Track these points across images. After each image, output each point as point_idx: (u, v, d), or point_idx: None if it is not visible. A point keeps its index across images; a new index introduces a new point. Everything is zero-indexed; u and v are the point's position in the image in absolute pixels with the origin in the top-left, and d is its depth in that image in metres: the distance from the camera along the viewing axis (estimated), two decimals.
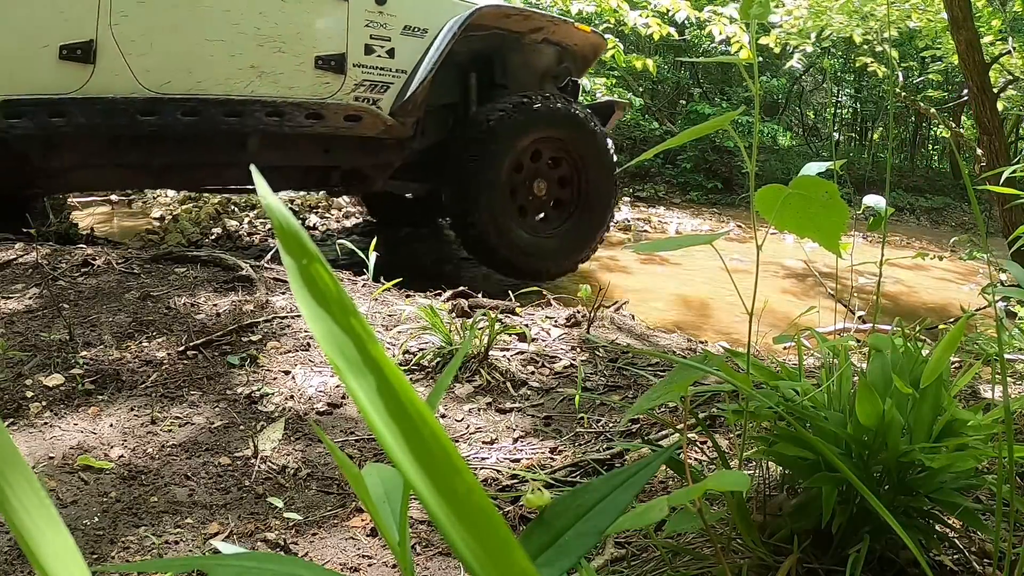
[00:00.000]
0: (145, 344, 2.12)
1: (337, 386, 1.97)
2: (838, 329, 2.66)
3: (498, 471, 1.59)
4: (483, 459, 1.67)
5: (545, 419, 1.87)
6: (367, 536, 1.38)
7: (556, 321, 2.55)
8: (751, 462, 1.30)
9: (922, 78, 11.75)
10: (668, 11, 7.41)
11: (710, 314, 4.27)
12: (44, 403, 1.78)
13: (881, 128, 14.12)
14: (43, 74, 3.19)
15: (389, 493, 0.70)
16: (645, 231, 6.98)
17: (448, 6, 3.96)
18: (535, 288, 3.08)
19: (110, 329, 2.19)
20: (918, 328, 1.86)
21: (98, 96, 3.26)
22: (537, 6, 7.12)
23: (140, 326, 2.23)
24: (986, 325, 3.23)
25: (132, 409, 1.80)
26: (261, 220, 5.33)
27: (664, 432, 1.73)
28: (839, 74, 13.32)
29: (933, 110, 8.03)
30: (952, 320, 3.54)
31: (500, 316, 2.46)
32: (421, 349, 2.19)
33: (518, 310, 2.67)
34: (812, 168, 1.19)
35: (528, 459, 1.66)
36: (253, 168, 0.40)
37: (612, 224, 4.89)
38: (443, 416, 1.87)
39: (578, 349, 2.30)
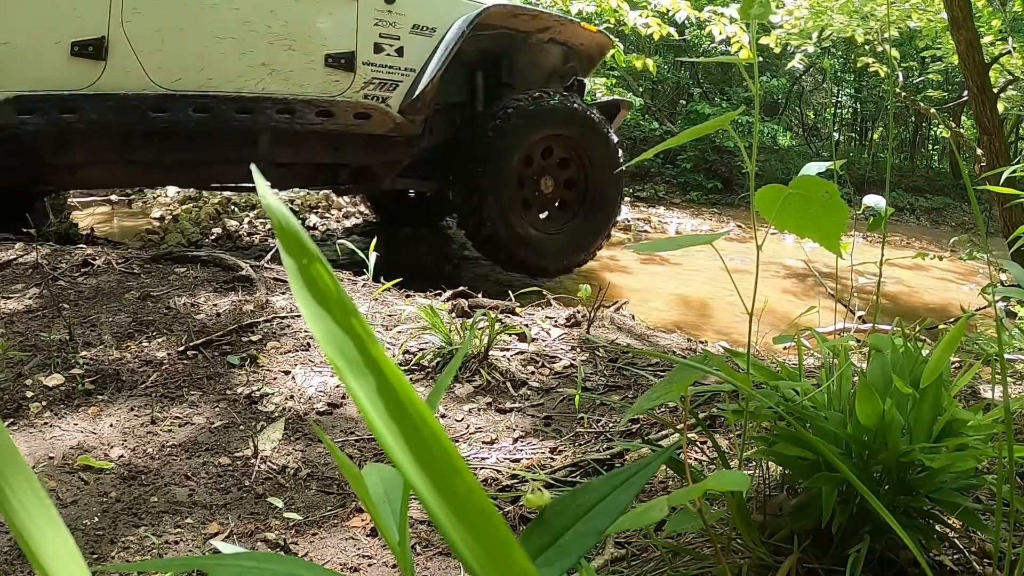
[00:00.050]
0: (145, 344, 2.12)
1: (337, 386, 1.97)
2: (838, 329, 2.67)
3: (498, 471, 1.59)
4: (483, 459, 1.67)
5: (545, 419, 1.87)
6: (367, 536, 1.38)
7: (556, 321, 2.55)
8: (751, 462, 1.30)
9: (922, 78, 11.74)
10: (668, 11, 7.41)
11: (710, 314, 4.27)
12: (44, 403, 1.78)
13: (881, 128, 14.12)
14: (55, 70, 3.20)
15: (389, 493, 0.70)
16: (645, 231, 6.98)
17: (456, 5, 3.97)
18: (535, 288, 3.08)
19: (110, 329, 2.19)
20: (918, 328, 1.86)
21: (110, 92, 3.27)
22: (537, 6, 7.12)
23: (140, 326, 2.23)
24: (986, 325, 3.23)
25: (132, 409, 1.80)
26: (261, 220, 5.33)
27: (664, 432, 1.73)
28: (839, 74, 13.32)
29: (933, 110, 8.03)
30: (952, 320, 3.54)
31: (500, 316, 2.46)
32: (421, 349, 2.19)
33: (518, 310, 2.67)
34: (812, 168, 1.19)
35: (528, 459, 1.66)
36: (253, 167, 0.40)
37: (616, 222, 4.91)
38: (443, 416, 1.87)
39: (578, 349, 2.30)
